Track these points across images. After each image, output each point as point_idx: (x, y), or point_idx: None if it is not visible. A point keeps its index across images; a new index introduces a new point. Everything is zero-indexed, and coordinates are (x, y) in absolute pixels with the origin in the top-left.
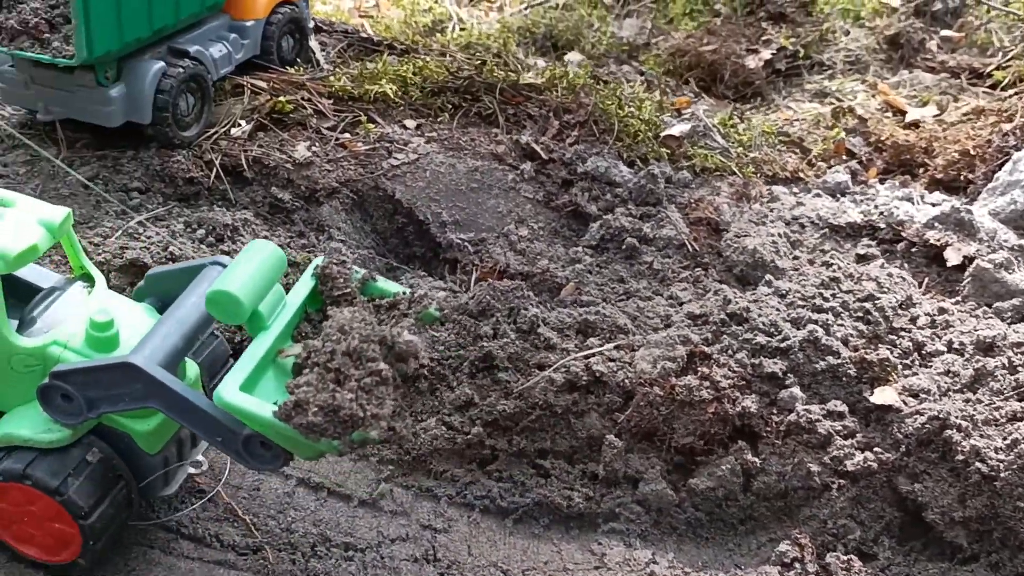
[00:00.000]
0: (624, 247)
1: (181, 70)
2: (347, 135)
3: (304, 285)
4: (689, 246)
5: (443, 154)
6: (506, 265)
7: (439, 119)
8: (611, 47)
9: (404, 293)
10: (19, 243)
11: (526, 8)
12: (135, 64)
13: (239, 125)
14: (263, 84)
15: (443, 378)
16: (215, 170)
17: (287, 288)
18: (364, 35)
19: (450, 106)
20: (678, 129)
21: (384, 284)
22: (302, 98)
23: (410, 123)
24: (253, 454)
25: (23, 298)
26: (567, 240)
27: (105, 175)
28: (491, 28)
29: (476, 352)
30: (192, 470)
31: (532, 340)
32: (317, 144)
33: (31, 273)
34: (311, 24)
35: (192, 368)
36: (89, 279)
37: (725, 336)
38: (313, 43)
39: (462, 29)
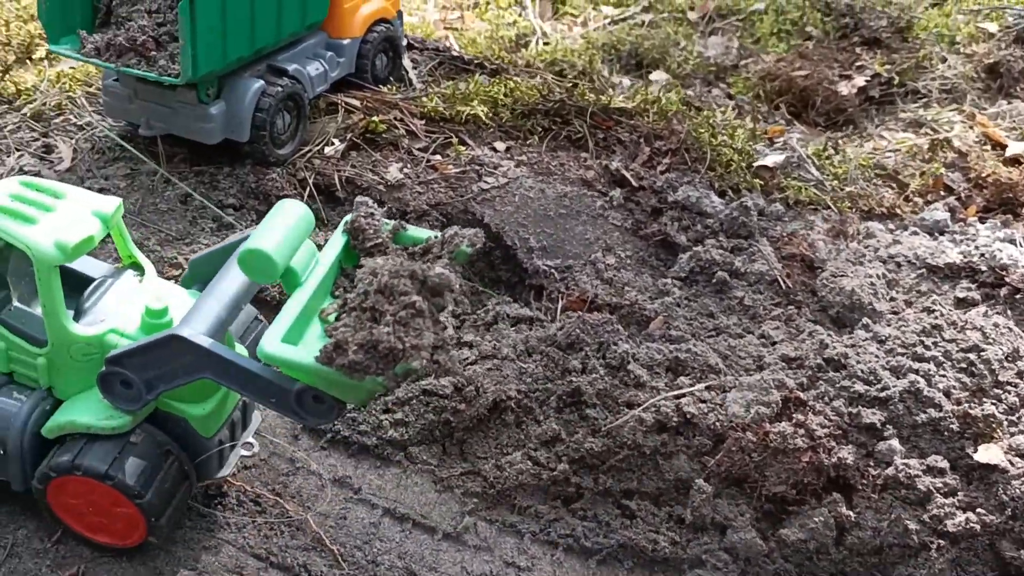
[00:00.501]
0: (714, 281)
1: (279, 89)
2: (438, 157)
3: (336, 241)
4: (782, 282)
5: (532, 178)
6: (593, 295)
7: (529, 142)
8: (697, 67)
9: (435, 237)
10: (76, 234)
11: (610, 23)
12: (235, 82)
13: (332, 144)
14: (356, 103)
15: (530, 411)
16: (308, 188)
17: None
18: (455, 53)
19: (540, 129)
20: (772, 160)
21: (415, 231)
22: (395, 118)
23: (500, 145)
24: (307, 409)
25: (76, 288)
26: (655, 270)
27: (202, 191)
28: (575, 43)
29: (564, 386)
30: (244, 452)
31: (621, 377)
32: (409, 165)
33: (82, 263)
34: (404, 42)
35: (241, 351)
36: (139, 268)
37: (821, 382)
38: (406, 61)
39: (546, 43)
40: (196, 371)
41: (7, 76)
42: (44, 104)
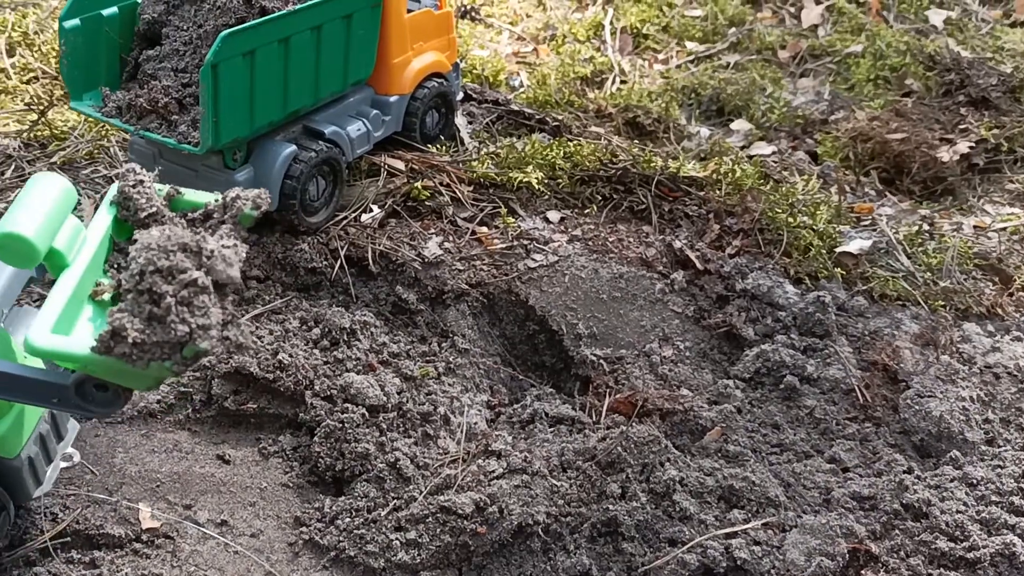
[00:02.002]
0: (782, 386)
1: (314, 154)
2: (484, 228)
3: (104, 215)
4: (859, 394)
5: (586, 256)
6: (643, 399)
7: (586, 211)
8: (783, 118)
9: (216, 201)
10: None
11: (694, 61)
12: (265, 146)
13: (371, 210)
14: (400, 165)
15: (559, 538)
16: (340, 261)
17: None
18: (515, 107)
19: (600, 197)
20: (856, 246)
21: (193, 196)
22: (440, 183)
23: (554, 215)
24: (90, 399)
25: None
26: (716, 365)
27: None
28: (654, 83)
29: (600, 513)
30: (64, 464)
31: (666, 507)
32: (451, 237)
33: None
34: (459, 96)
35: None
36: None
37: (897, 532)
38: (459, 119)
39: (623, 81)
40: None
41: (46, 116)
42: (76, 151)
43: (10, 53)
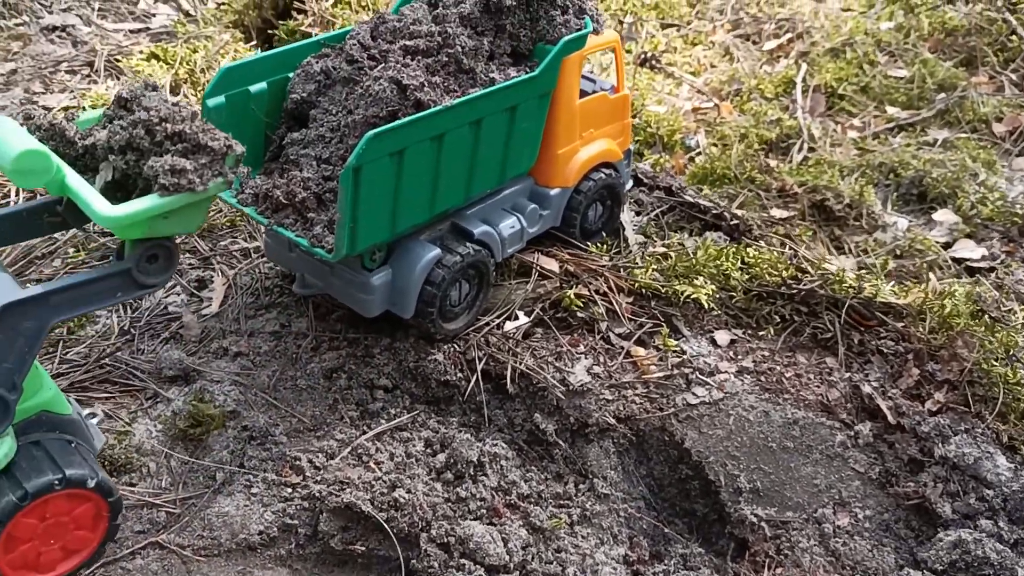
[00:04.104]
0: None
1: (459, 258)
2: (641, 349)
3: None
4: None
5: (755, 394)
6: None
7: (761, 332)
8: (996, 214)
9: (110, 110)
10: None
11: (892, 128)
12: (407, 247)
13: (516, 317)
14: (554, 266)
15: None
16: (476, 375)
17: None
18: (690, 198)
19: (778, 318)
20: None
21: (90, 114)
22: (595, 291)
23: (722, 337)
24: (149, 273)
25: None
26: (901, 544)
27: (351, 367)
28: (847, 155)
29: None
30: (94, 420)
31: None
32: (602, 358)
33: None
34: (628, 185)
35: None
36: None
37: None
38: (625, 215)
39: (811, 149)
40: (44, 324)
41: None
42: (219, 216)
43: (174, 91)
